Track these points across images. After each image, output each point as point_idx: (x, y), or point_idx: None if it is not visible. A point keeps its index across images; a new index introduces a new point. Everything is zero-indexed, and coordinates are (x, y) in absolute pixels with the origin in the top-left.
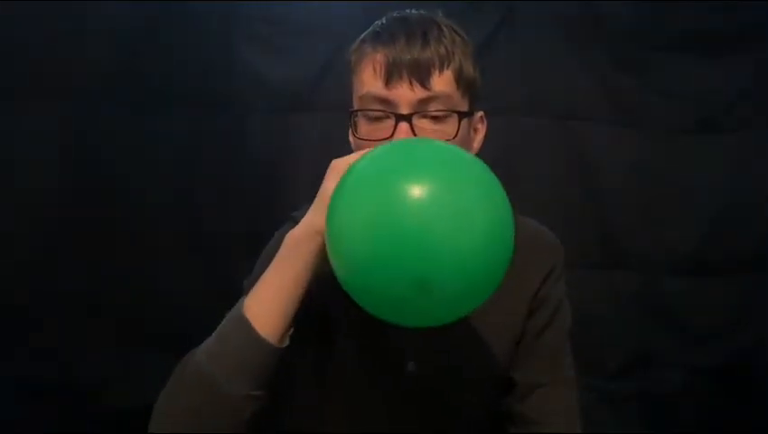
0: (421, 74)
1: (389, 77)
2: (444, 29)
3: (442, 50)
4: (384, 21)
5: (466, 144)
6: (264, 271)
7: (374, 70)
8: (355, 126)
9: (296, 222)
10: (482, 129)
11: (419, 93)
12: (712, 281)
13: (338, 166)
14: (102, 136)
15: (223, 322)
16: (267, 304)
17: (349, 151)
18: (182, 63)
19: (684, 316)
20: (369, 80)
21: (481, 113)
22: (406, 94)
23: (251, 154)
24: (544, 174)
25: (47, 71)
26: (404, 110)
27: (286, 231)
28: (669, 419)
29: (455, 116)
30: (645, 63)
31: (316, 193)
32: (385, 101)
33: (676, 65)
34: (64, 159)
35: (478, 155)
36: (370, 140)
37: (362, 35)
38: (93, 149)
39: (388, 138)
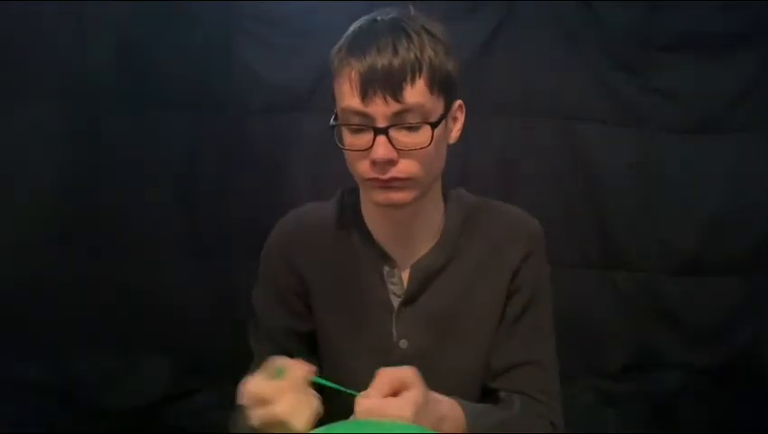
0: (393, 88)
1: (365, 93)
2: (413, 34)
3: (411, 57)
4: (357, 27)
5: (442, 144)
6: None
7: (350, 85)
8: (340, 137)
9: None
10: (460, 118)
11: (393, 107)
12: (712, 281)
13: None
14: (102, 136)
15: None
16: None
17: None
18: (181, 63)
19: (684, 316)
20: (347, 95)
21: (459, 102)
22: (381, 108)
23: (251, 154)
24: (544, 174)
25: (47, 71)
26: (380, 123)
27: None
28: (669, 419)
29: (429, 126)
30: (645, 63)
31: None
32: (363, 115)
33: (676, 65)
34: (64, 159)
35: (456, 143)
36: (354, 150)
37: (339, 42)
38: (93, 149)
39: (368, 149)
